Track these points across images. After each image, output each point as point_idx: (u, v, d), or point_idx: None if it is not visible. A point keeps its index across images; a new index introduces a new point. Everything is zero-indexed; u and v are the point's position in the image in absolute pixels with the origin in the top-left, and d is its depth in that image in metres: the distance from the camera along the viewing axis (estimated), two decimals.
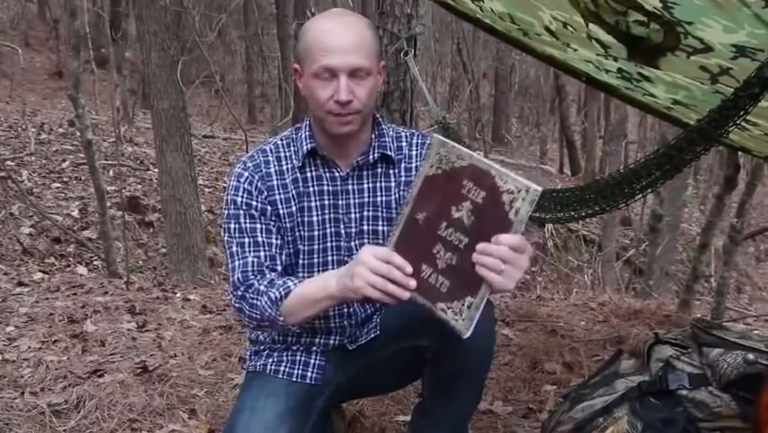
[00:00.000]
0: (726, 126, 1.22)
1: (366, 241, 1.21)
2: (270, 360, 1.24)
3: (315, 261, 1.21)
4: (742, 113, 1.18)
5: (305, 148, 1.19)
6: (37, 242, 4.63)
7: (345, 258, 1.21)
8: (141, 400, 1.63)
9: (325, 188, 1.20)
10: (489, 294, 0.94)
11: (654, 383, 1.35)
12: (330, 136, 1.17)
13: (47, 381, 1.75)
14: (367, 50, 1.11)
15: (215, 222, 5.27)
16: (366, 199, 1.21)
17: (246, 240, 1.16)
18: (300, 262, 1.21)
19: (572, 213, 1.79)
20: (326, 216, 1.20)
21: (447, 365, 1.18)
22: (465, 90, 8.92)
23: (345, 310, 1.24)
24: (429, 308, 0.97)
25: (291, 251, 1.20)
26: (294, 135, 1.22)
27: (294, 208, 1.19)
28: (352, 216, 1.21)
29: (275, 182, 1.19)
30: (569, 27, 1.49)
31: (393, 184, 1.22)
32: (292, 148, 1.21)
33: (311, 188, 1.20)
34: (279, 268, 1.16)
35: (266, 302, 1.10)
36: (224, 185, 5.51)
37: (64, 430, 1.53)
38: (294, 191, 1.19)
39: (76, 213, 5.09)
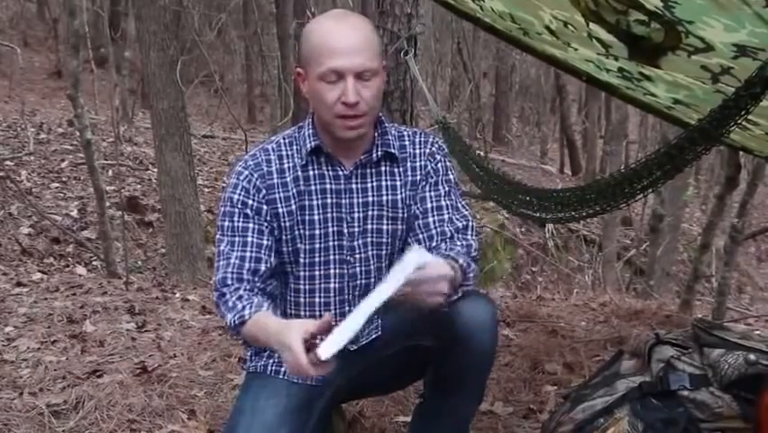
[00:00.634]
0: (728, 126, 1.22)
1: (370, 240, 1.21)
2: (271, 360, 1.23)
3: (317, 259, 1.21)
4: (743, 112, 1.17)
5: (308, 146, 1.19)
6: (36, 242, 4.63)
7: (348, 257, 1.21)
8: (141, 400, 1.62)
9: (328, 186, 1.20)
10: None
11: (655, 384, 1.35)
12: (336, 137, 1.16)
13: (46, 381, 1.74)
14: (372, 51, 1.11)
15: (215, 222, 5.24)
16: (370, 198, 1.21)
17: (237, 238, 1.17)
18: (301, 260, 1.21)
19: (573, 213, 1.79)
20: (329, 215, 1.20)
21: (448, 366, 1.18)
22: (465, 90, 8.91)
23: (348, 310, 1.24)
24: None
25: (290, 249, 1.20)
26: (297, 134, 1.22)
27: (294, 207, 1.19)
28: (356, 215, 1.20)
29: (275, 180, 1.19)
30: (569, 26, 1.49)
31: (399, 183, 1.22)
32: (295, 146, 1.21)
33: (313, 187, 1.20)
34: (263, 268, 1.17)
35: (229, 321, 1.13)
36: (224, 185, 5.51)
37: (63, 431, 1.53)
38: (294, 190, 1.19)
39: (75, 213, 5.09)
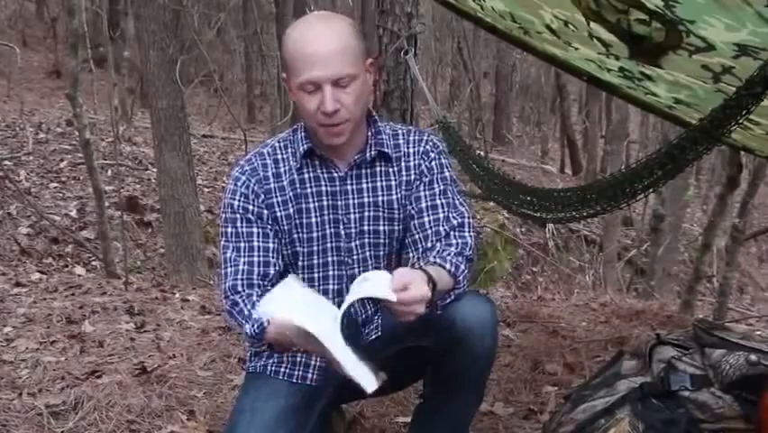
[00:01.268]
0: (729, 126, 1.22)
1: (367, 241, 1.21)
2: (271, 361, 1.23)
3: (315, 262, 1.21)
4: (744, 112, 1.17)
5: (301, 149, 1.19)
6: (35, 242, 4.62)
7: (345, 258, 1.21)
8: (140, 401, 1.62)
9: (323, 189, 1.20)
10: None
11: (656, 384, 1.34)
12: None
13: (45, 382, 1.74)
14: (350, 56, 1.09)
15: (214, 222, 5.25)
16: (366, 199, 1.20)
17: (242, 244, 1.17)
18: (300, 264, 1.21)
19: (574, 213, 1.79)
20: (325, 218, 1.20)
21: (448, 366, 1.18)
22: (466, 89, 8.91)
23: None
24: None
25: (289, 252, 1.20)
26: (291, 137, 1.22)
27: (291, 210, 1.19)
28: (352, 216, 1.20)
29: (272, 185, 1.19)
30: (570, 26, 1.49)
31: (394, 183, 1.22)
32: (290, 150, 1.21)
33: (309, 190, 1.19)
34: (272, 271, 1.17)
35: (248, 330, 1.12)
36: (224, 185, 5.50)
37: (62, 431, 1.52)
38: (291, 193, 1.19)
39: (74, 213, 5.08)
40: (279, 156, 1.21)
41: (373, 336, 1.25)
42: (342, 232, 1.20)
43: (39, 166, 5.67)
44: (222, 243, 1.19)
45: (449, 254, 1.13)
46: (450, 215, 1.20)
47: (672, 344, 1.42)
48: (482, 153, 3.75)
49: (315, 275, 1.21)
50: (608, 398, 1.38)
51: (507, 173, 2.24)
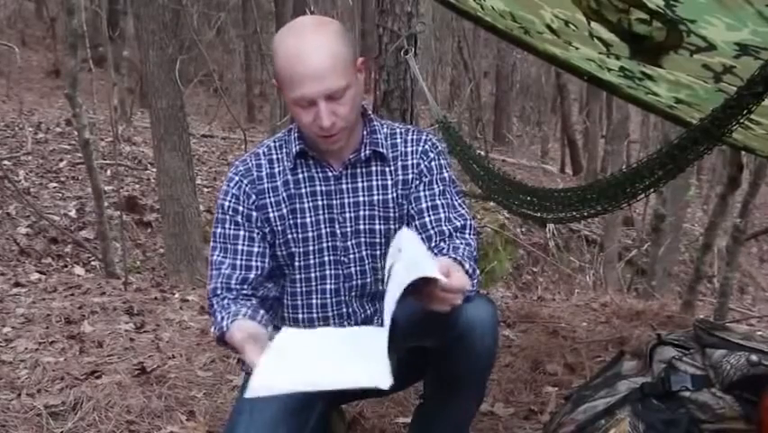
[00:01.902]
0: (730, 125, 1.21)
1: (363, 240, 1.20)
2: None
3: (312, 261, 1.21)
4: (745, 112, 1.17)
5: (294, 150, 1.19)
6: (34, 242, 4.62)
7: (342, 258, 1.20)
8: (139, 401, 1.62)
9: (318, 188, 1.19)
10: None
11: (657, 385, 1.34)
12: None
13: (44, 382, 1.73)
14: (341, 67, 1.07)
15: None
16: (361, 198, 1.20)
17: (228, 246, 1.19)
18: (296, 263, 1.21)
19: (574, 213, 1.79)
20: (320, 217, 1.20)
21: (449, 367, 1.17)
22: (466, 89, 8.91)
23: (345, 311, 1.23)
24: None
25: (285, 253, 1.20)
26: (287, 136, 1.22)
27: (285, 211, 1.19)
28: (347, 215, 1.20)
29: (266, 185, 1.19)
30: (571, 25, 1.48)
31: (390, 182, 1.21)
32: (284, 150, 1.21)
33: (303, 190, 1.19)
34: (252, 276, 1.18)
35: (213, 333, 1.14)
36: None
37: (61, 432, 1.52)
38: (285, 194, 1.19)
39: (73, 213, 5.08)
40: (274, 156, 1.21)
41: None
42: (338, 231, 1.20)
43: (38, 166, 5.66)
44: (211, 243, 1.21)
45: (463, 256, 1.13)
46: (451, 215, 1.20)
47: (672, 344, 1.41)
48: (482, 153, 3.74)
49: (312, 275, 1.21)
50: (608, 398, 1.37)
51: (507, 173, 2.24)
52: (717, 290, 3.99)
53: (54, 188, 5.40)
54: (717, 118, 1.21)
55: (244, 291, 1.18)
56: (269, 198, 1.19)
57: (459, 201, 1.23)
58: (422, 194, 1.21)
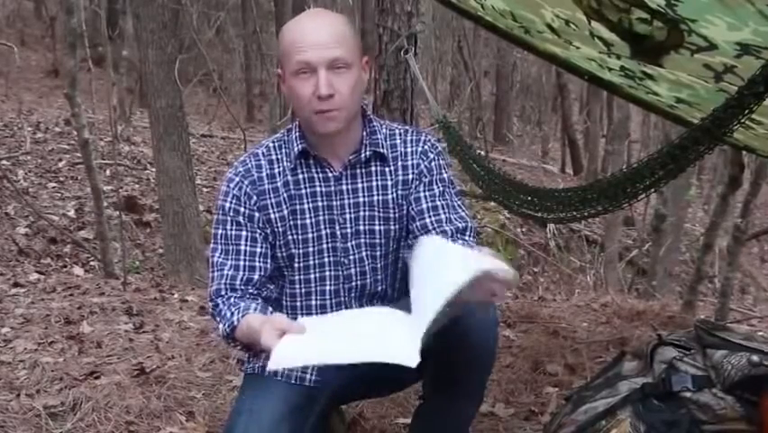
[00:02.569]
0: (731, 125, 1.21)
1: (363, 241, 1.20)
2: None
3: (311, 262, 1.20)
4: (746, 111, 1.17)
5: (295, 149, 1.18)
6: (33, 242, 4.61)
7: (342, 258, 1.20)
8: (139, 402, 1.61)
9: (318, 189, 1.19)
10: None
11: (658, 385, 1.34)
12: (319, 136, 1.16)
13: (43, 382, 1.73)
14: (344, 43, 1.11)
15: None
16: (361, 199, 1.20)
17: (230, 247, 1.18)
18: (296, 264, 1.20)
19: (575, 213, 1.78)
20: (320, 218, 1.19)
21: (448, 367, 1.17)
22: (466, 89, 8.91)
23: (344, 310, 1.23)
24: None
25: (285, 254, 1.20)
26: (286, 137, 1.22)
27: (285, 212, 1.19)
28: (347, 216, 1.20)
29: (266, 186, 1.19)
30: (571, 25, 1.48)
31: (389, 183, 1.21)
32: (284, 150, 1.21)
33: (303, 191, 1.19)
34: (256, 277, 1.18)
35: (221, 330, 1.14)
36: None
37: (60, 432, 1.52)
38: (285, 194, 1.19)
39: (72, 213, 5.07)
40: (274, 156, 1.20)
41: None
42: (338, 232, 1.20)
43: (37, 166, 5.66)
44: (212, 244, 1.20)
45: None
46: (452, 217, 1.20)
47: (673, 344, 1.41)
48: (483, 153, 3.74)
49: (312, 276, 1.21)
50: (609, 399, 1.37)
51: (507, 173, 2.24)
52: (718, 290, 3.99)
53: (53, 187, 5.39)
54: (718, 118, 1.20)
55: (249, 291, 1.17)
56: (270, 199, 1.19)
57: (459, 202, 1.23)
58: (422, 195, 1.21)
